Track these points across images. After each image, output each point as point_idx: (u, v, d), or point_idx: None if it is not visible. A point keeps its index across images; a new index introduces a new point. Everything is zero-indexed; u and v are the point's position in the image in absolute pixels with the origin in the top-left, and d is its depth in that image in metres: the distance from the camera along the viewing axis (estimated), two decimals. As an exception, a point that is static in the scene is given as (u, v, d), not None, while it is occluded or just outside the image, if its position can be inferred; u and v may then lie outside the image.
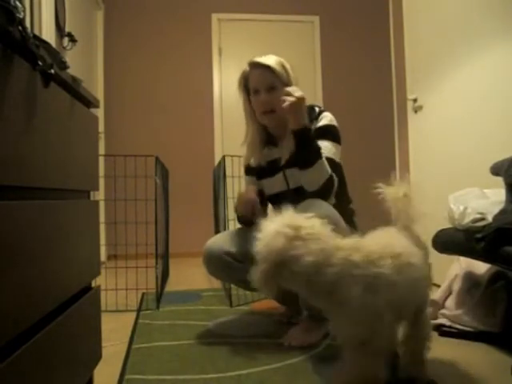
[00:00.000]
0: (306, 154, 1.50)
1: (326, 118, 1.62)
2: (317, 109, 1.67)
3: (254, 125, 1.71)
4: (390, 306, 0.94)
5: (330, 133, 1.60)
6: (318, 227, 0.97)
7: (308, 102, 1.68)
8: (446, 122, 2.51)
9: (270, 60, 1.60)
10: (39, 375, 0.76)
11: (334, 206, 1.55)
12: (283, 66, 1.60)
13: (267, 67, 1.58)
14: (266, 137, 1.73)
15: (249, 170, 1.83)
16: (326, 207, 1.45)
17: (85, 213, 1.10)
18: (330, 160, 1.53)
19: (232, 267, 1.63)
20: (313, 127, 1.60)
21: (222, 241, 1.68)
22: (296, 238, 0.92)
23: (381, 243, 1.01)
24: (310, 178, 1.51)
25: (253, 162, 1.79)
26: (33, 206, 0.76)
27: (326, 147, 1.56)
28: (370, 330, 0.94)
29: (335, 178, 1.53)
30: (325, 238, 0.95)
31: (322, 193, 1.50)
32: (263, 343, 1.57)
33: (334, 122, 1.64)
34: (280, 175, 1.68)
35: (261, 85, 1.60)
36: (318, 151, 1.49)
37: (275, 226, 0.95)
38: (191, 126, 4.25)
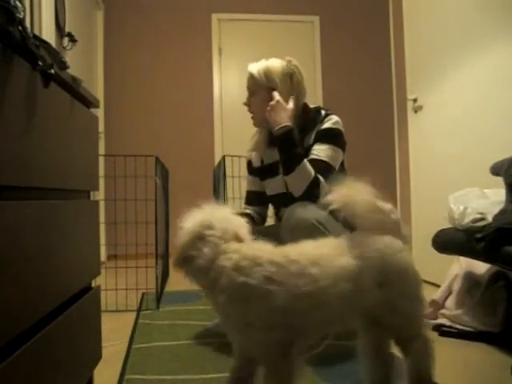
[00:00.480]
0: (286, 160, 1.52)
1: (331, 121, 1.61)
2: (323, 112, 1.65)
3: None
4: (267, 316, 0.85)
5: (329, 136, 1.58)
6: (231, 228, 0.93)
7: (314, 104, 1.72)
8: (445, 122, 2.51)
9: (255, 65, 1.64)
10: (39, 375, 0.76)
11: (335, 210, 1.54)
12: (267, 71, 1.61)
13: (249, 73, 1.65)
14: (269, 137, 1.72)
15: (252, 170, 1.83)
16: (313, 210, 1.42)
17: (85, 213, 1.10)
18: (322, 162, 1.53)
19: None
20: (316, 130, 1.60)
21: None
22: (200, 238, 0.91)
23: (283, 250, 0.92)
24: (293, 184, 1.51)
25: (257, 162, 1.80)
26: (33, 206, 0.76)
27: (322, 150, 1.55)
28: (246, 339, 0.90)
29: (321, 180, 1.50)
30: (226, 240, 0.90)
31: (308, 197, 1.49)
32: (263, 343, 1.57)
33: (338, 126, 1.61)
34: (279, 177, 1.68)
35: (248, 88, 1.68)
36: (297, 156, 1.49)
37: (192, 221, 0.95)
38: (191, 126, 4.25)
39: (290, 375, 0.87)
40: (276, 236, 1.65)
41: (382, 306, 0.93)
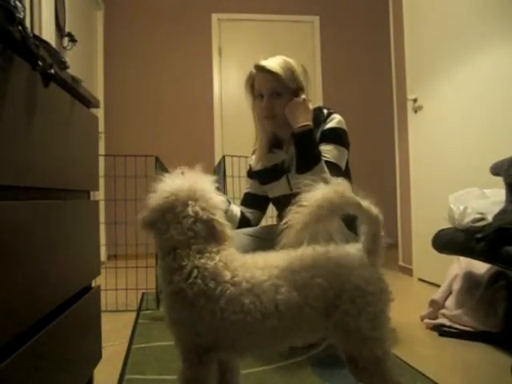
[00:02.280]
0: (304, 158, 1.48)
1: (334, 121, 1.58)
2: (325, 111, 1.61)
3: (261, 127, 1.67)
4: (194, 325, 0.85)
5: (334, 136, 1.55)
6: (209, 208, 0.90)
7: (316, 104, 1.67)
8: (445, 122, 2.51)
9: (276, 64, 1.52)
10: (39, 375, 0.76)
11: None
12: (291, 70, 1.53)
13: (271, 72, 1.52)
14: (274, 139, 1.71)
15: (251, 174, 1.80)
16: None
17: (85, 213, 1.10)
18: (331, 164, 1.51)
19: None
20: (320, 130, 1.57)
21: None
22: (183, 205, 0.88)
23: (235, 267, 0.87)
24: (306, 183, 1.50)
25: (257, 166, 1.76)
26: (33, 206, 0.76)
27: (329, 151, 1.53)
28: (173, 334, 0.90)
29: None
30: (197, 225, 0.88)
31: None
32: (263, 343, 1.57)
33: (342, 125, 1.59)
34: (284, 179, 1.67)
35: (264, 89, 1.55)
36: (317, 156, 1.47)
37: (176, 183, 0.92)
38: (191, 126, 4.25)
39: (200, 380, 0.87)
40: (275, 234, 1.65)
41: (332, 329, 0.85)
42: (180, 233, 0.87)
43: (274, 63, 1.52)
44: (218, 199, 0.94)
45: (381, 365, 0.84)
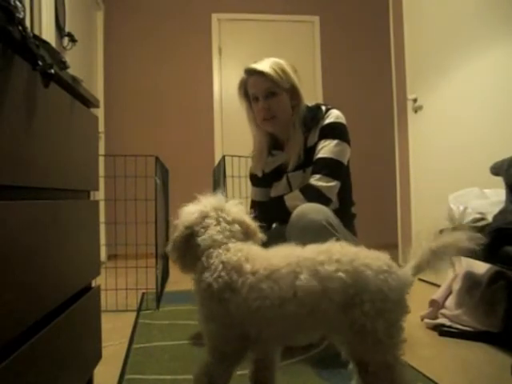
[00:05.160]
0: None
1: (333, 116, 1.56)
2: (323, 107, 1.60)
3: (259, 131, 1.66)
4: (222, 318, 0.89)
5: (334, 131, 1.54)
6: (237, 213, 0.98)
7: (312, 102, 1.67)
8: (445, 122, 2.51)
9: (265, 65, 1.53)
10: (39, 375, 0.76)
11: (337, 210, 1.53)
12: (281, 69, 1.53)
13: (263, 73, 1.52)
14: (272, 141, 1.70)
15: (256, 183, 1.78)
16: (325, 212, 1.39)
17: (85, 213, 1.10)
18: (329, 160, 1.52)
19: None
20: (319, 126, 1.56)
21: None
22: (209, 217, 0.96)
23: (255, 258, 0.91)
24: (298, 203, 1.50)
25: (259, 173, 1.75)
26: (33, 206, 0.76)
27: (328, 147, 1.52)
28: (204, 330, 0.94)
29: (332, 199, 1.51)
30: (231, 227, 0.95)
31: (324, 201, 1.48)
32: (263, 343, 1.57)
33: (341, 120, 1.57)
34: (284, 179, 1.67)
35: (259, 91, 1.56)
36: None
37: (199, 204, 0.99)
38: (191, 126, 4.25)
39: (224, 375, 0.92)
40: (278, 235, 1.65)
41: (347, 328, 0.84)
42: (218, 232, 0.94)
43: (264, 65, 1.54)
44: (238, 209, 1.01)
45: (391, 371, 0.84)
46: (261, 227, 1.67)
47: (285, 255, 0.90)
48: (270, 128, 1.63)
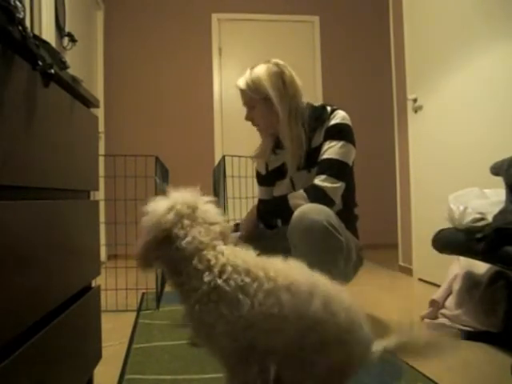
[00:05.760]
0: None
1: (338, 117, 1.57)
2: (329, 108, 1.61)
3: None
4: (232, 324, 0.85)
5: (340, 132, 1.54)
6: (213, 213, 0.93)
7: (318, 103, 1.69)
8: (445, 122, 2.51)
9: (243, 80, 1.59)
10: (39, 375, 0.76)
11: (341, 211, 1.53)
12: (254, 82, 1.56)
13: (240, 89, 1.61)
14: (276, 141, 1.71)
15: (261, 181, 1.82)
16: (326, 213, 1.38)
17: (85, 213, 1.10)
18: (335, 161, 1.51)
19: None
20: (324, 127, 1.56)
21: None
22: (187, 217, 0.88)
23: (264, 264, 0.88)
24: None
25: (262, 170, 1.79)
26: (33, 206, 0.76)
27: (334, 148, 1.52)
28: (210, 343, 0.89)
29: (335, 201, 1.51)
30: (213, 228, 0.90)
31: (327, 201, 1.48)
32: (263, 343, 1.57)
33: (346, 121, 1.58)
34: (287, 180, 1.67)
35: (243, 104, 1.65)
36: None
37: (170, 201, 0.91)
38: (191, 125, 4.25)
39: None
40: (279, 235, 1.65)
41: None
42: (202, 233, 0.88)
43: (242, 80, 1.60)
44: (212, 208, 0.95)
45: None
46: (266, 226, 1.68)
47: (301, 272, 0.89)
48: (260, 134, 1.71)
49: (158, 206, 0.90)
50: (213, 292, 0.84)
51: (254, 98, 1.58)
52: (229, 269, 0.85)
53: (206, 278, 0.85)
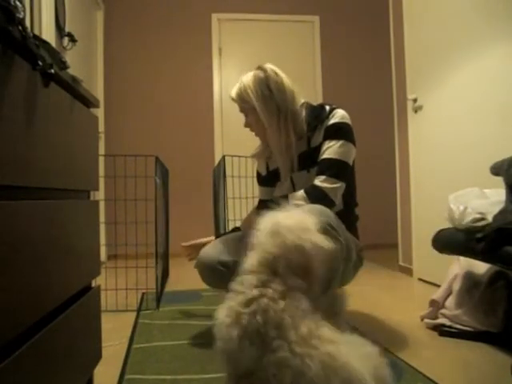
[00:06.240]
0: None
1: (337, 116, 1.56)
2: (327, 107, 1.60)
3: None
4: None
5: (339, 131, 1.53)
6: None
7: (318, 102, 1.69)
8: (446, 122, 2.51)
9: (234, 90, 1.62)
10: (39, 375, 0.76)
11: (341, 211, 1.53)
12: (241, 93, 1.58)
13: (233, 99, 1.63)
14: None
15: (261, 181, 1.83)
16: (326, 214, 1.36)
17: (85, 213, 1.10)
18: (335, 161, 1.50)
19: (226, 276, 1.62)
20: (324, 127, 1.55)
21: (214, 250, 1.66)
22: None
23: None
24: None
25: (262, 170, 1.80)
26: (33, 206, 0.76)
27: (334, 148, 1.51)
28: None
29: (335, 201, 1.51)
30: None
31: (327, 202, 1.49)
32: (263, 343, 1.57)
33: (346, 120, 1.57)
34: (288, 180, 1.67)
35: (240, 112, 1.67)
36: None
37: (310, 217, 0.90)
38: (191, 126, 4.25)
39: None
40: None
41: None
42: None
43: (233, 89, 1.63)
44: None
45: None
46: None
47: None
48: (260, 139, 1.72)
49: (319, 239, 0.90)
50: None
51: (245, 107, 1.61)
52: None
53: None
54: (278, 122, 1.55)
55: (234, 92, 1.63)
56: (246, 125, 1.67)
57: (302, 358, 0.78)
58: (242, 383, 0.83)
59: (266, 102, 1.54)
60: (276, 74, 1.57)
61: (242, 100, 1.60)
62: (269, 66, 1.58)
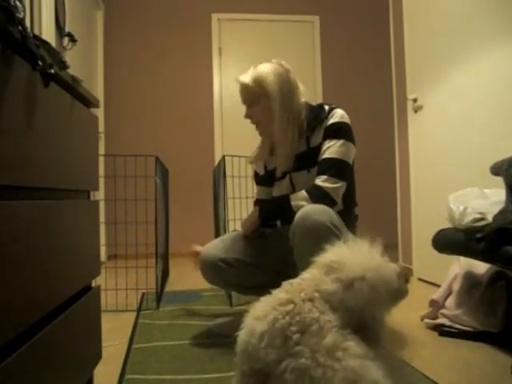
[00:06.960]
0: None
1: (337, 116, 1.56)
2: (326, 107, 1.60)
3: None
4: None
5: (339, 131, 1.54)
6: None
7: (317, 102, 1.69)
8: (446, 122, 2.51)
9: (248, 77, 1.59)
10: (39, 375, 0.76)
11: (341, 211, 1.53)
12: (260, 82, 1.56)
13: (244, 85, 1.59)
14: (271, 145, 1.72)
15: (259, 181, 1.83)
16: (329, 214, 1.38)
17: (85, 213, 1.10)
18: (335, 160, 1.50)
19: (227, 273, 1.63)
20: (323, 127, 1.56)
21: (215, 248, 1.67)
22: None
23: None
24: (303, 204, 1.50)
25: (260, 170, 1.80)
26: (33, 206, 0.76)
27: (334, 147, 1.52)
28: None
29: (337, 201, 1.51)
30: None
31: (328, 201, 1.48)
32: (263, 343, 1.57)
33: (345, 119, 1.57)
34: (287, 179, 1.67)
35: (243, 100, 1.64)
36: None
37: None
38: (191, 126, 4.25)
39: None
40: (278, 236, 1.65)
41: None
42: None
43: (245, 75, 1.60)
44: None
45: None
46: (268, 226, 1.69)
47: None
48: (258, 132, 1.69)
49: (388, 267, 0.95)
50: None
51: (255, 95, 1.57)
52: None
53: None
54: (288, 116, 1.56)
55: (245, 77, 1.59)
56: (247, 116, 1.65)
57: (324, 370, 0.77)
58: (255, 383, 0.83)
59: (283, 95, 1.55)
60: (290, 71, 1.60)
61: (257, 86, 1.56)
62: (284, 62, 1.60)
